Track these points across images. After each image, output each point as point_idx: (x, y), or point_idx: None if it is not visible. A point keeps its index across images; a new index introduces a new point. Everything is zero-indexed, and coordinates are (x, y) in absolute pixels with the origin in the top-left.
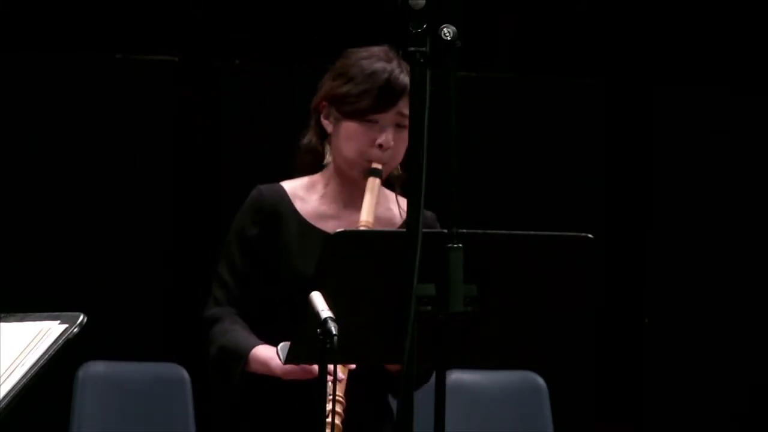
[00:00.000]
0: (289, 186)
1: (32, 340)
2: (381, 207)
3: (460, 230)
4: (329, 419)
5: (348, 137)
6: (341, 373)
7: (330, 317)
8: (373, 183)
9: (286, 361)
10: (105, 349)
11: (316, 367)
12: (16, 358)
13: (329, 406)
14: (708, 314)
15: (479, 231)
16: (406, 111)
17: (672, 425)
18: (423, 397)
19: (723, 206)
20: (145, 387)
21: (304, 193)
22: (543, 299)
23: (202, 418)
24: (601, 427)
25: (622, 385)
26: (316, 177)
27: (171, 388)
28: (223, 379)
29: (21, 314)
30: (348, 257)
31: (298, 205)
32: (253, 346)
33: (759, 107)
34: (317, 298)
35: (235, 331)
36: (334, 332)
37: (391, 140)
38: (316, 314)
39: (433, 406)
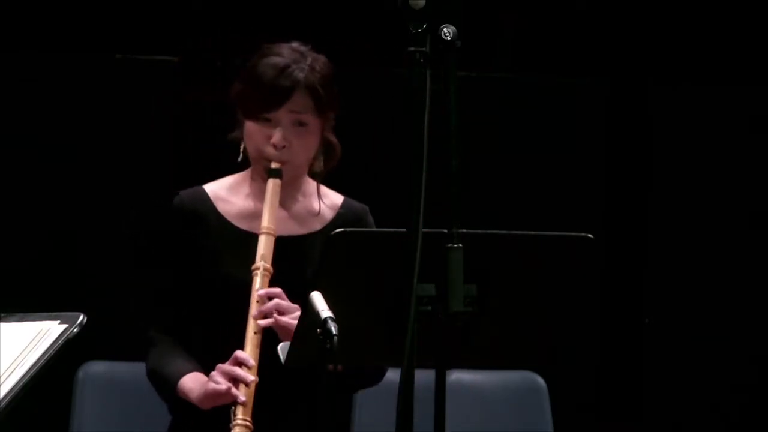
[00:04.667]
0: (211, 188)
1: (32, 340)
2: (298, 202)
3: (460, 230)
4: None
5: (248, 136)
6: (242, 395)
7: (330, 317)
8: (272, 184)
9: (286, 361)
10: (105, 349)
11: (213, 386)
12: (16, 358)
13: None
14: (708, 314)
15: (479, 231)
16: (301, 108)
17: (672, 425)
18: (423, 397)
19: (723, 206)
20: (145, 387)
21: (227, 194)
22: (543, 299)
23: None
24: (602, 427)
25: (623, 385)
26: (241, 176)
27: None
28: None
29: (21, 314)
30: (348, 257)
31: (221, 207)
32: (180, 377)
33: (759, 107)
34: (317, 298)
35: (166, 357)
36: (334, 332)
37: (282, 139)
38: (316, 314)
39: (433, 406)
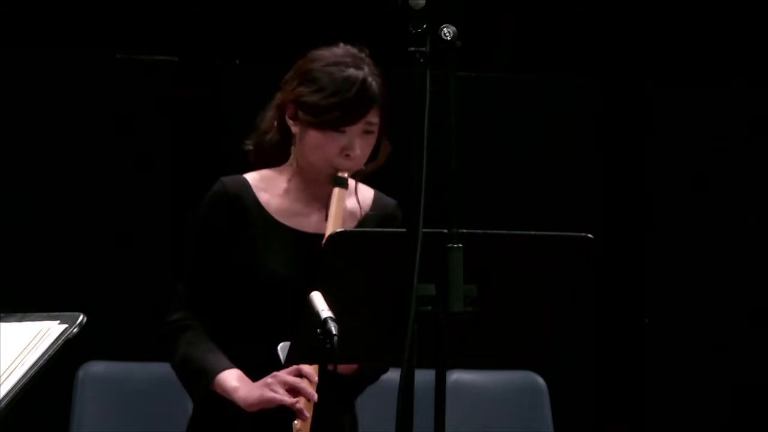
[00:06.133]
0: (252, 178)
1: (32, 340)
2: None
3: (460, 230)
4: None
5: (314, 146)
6: (307, 411)
7: (330, 317)
8: (339, 194)
9: (286, 361)
10: (105, 349)
11: (279, 398)
12: (16, 358)
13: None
14: (708, 314)
15: (479, 231)
16: (374, 119)
17: (672, 425)
18: (423, 397)
19: (723, 206)
20: (145, 387)
21: (268, 186)
22: (543, 299)
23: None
24: (602, 427)
25: (622, 385)
26: (278, 171)
27: (171, 388)
28: (186, 390)
29: (21, 314)
30: (348, 257)
31: (263, 199)
32: (221, 370)
33: (759, 108)
34: (317, 298)
35: (202, 345)
36: (334, 332)
37: (358, 149)
38: (316, 314)
39: (433, 406)
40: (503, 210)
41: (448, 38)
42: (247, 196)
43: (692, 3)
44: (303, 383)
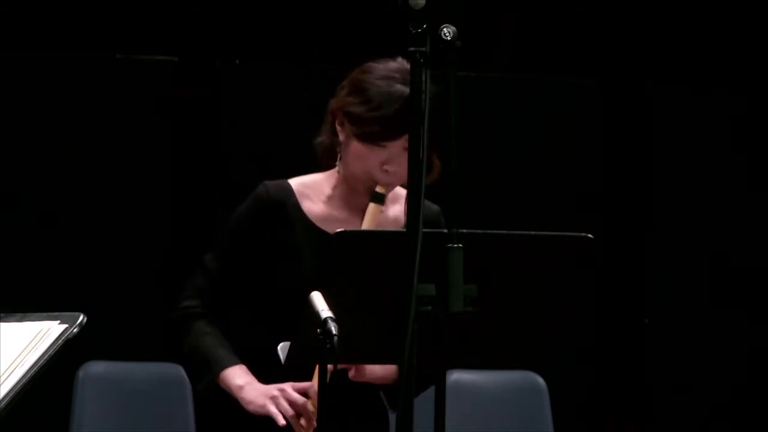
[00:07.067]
0: (296, 183)
1: (32, 340)
2: (389, 210)
3: (460, 230)
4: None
5: (355, 156)
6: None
7: (330, 317)
8: (373, 210)
9: (286, 360)
10: (105, 349)
11: (280, 419)
12: (16, 358)
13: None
14: (708, 314)
15: (479, 231)
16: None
17: (672, 425)
18: (423, 397)
19: (723, 207)
20: (145, 387)
21: (312, 193)
22: (543, 299)
23: (202, 418)
24: (602, 427)
25: (623, 385)
26: (324, 177)
27: (171, 388)
28: (189, 379)
29: (21, 314)
30: (348, 257)
31: (305, 205)
32: (228, 365)
33: (759, 108)
34: (317, 298)
35: (212, 336)
36: (334, 332)
37: (398, 165)
38: (316, 314)
39: (433, 406)
40: (503, 210)
41: (448, 38)
42: (289, 202)
43: (692, 3)
44: (308, 408)
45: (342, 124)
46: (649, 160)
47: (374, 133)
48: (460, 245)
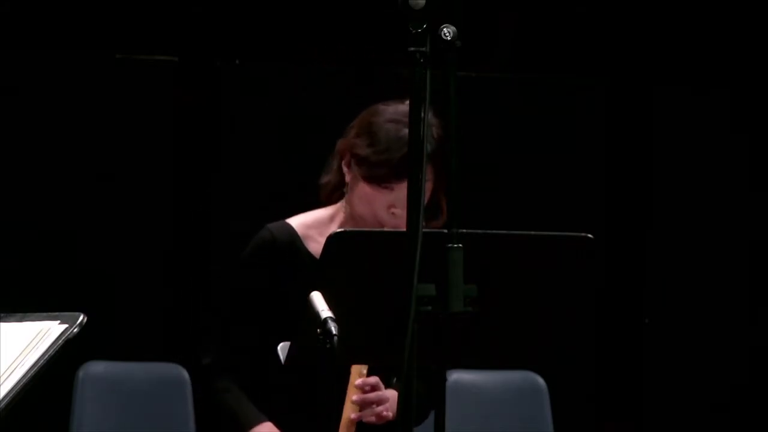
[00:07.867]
0: (298, 224)
1: (32, 340)
2: None
3: (460, 230)
4: None
5: (362, 197)
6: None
7: (330, 317)
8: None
9: (286, 360)
10: (105, 349)
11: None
12: (16, 358)
13: None
14: (708, 314)
15: (479, 231)
16: (426, 177)
17: (672, 425)
18: None
19: (723, 207)
20: (145, 387)
21: (315, 233)
22: (543, 299)
23: (202, 418)
24: (602, 427)
25: (622, 385)
26: (326, 215)
27: (171, 388)
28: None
29: (21, 314)
30: (348, 257)
31: (312, 247)
32: (256, 423)
33: (759, 108)
34: (317, 298)
35: (243, 399)
36: (334, 332)
37: (403, 208)
38: (316, 314)
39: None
40: (503, 210)
41: (448, 38)
42: (295, 246)
43: (692, 3)
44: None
45: (349, 165)
46: (649, 160)
47: (382, 176)
48: (460, 245)
